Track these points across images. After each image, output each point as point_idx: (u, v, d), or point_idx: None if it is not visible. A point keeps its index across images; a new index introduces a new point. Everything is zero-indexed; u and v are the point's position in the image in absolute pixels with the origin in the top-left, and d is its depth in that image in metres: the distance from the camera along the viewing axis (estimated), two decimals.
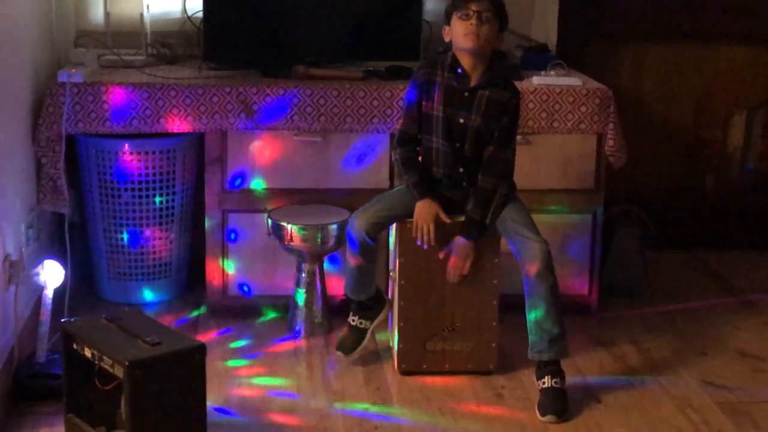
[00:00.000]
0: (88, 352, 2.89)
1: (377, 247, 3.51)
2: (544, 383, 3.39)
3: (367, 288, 3.60)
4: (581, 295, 4.12)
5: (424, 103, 3.46)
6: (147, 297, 4.10)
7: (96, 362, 2.86)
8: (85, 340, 2.89)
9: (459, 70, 3.41)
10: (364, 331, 3.64)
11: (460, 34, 3.35)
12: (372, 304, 3.64)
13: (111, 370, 2.81)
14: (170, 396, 2.81)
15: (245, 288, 4.02)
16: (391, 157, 3.83)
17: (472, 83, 3.41)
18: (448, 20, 3.42)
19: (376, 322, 3.66)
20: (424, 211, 3.46)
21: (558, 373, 3.40)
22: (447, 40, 3.44)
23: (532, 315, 3.40)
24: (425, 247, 3.46)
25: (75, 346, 2.94)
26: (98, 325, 2.97)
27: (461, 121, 3.43)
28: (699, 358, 3.78)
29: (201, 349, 2.86)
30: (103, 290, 4.12)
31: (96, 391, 2.95)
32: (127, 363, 2.74)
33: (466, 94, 3.42)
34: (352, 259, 3.52)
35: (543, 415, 3.33)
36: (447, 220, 3.46)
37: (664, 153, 4.89)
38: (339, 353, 3.63)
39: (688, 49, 4.81)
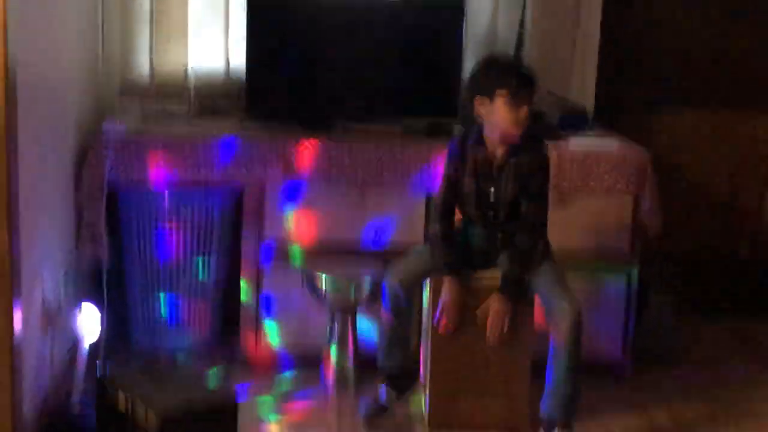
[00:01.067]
0: (121, 404, 2.90)
1: (412, 307, 3.52)
2: None
3: (399, 354, 3.58)
4: (615, 358, 4.10)
5: (461, 177, 3.49)
6: (181, 346, 4.12)
7: (129, 414, 2.87)
8: (119, 391, 2.91)
9: (487, 144, 3.45)
10: (390, 403, 3.61)
11: (507, 120, 3.35)
12: (402, 377, 3.62)
13: (144, 423, 2.81)
14: None
15: (278, 342, 4.03)
16: (426, 216, 3.83)
17: (500, 155, 3.44)
18: (485, 92, 3.39)
19: (404, 397, 3.63)
20: (451, 293, 3.46)
21: (568, 426, 3.42)
22: (481, 113, 3.43)
23: (552, 373, 3.41)
24: (444, 332, 3.46)
25: (109, 396, 2.95)
26: (132, 376, 2.98)
27: (492, 191, 3.46)
28: (732, 429, 3.74)
29: (233, 406, 2.86)
30: (138, 337, 4.14)
31: None
32: (160, 417, 2.74)
33: (494, 166, 3.45)
34: (385, 318, 3.53)
35: None
36: (476, 288, 3.47)
37: (700, 218, 4.88)
38: (363, 422, 3.58)
39: (724, 116, 4.82)
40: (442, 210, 3.54)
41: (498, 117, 3.37)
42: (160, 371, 3.02)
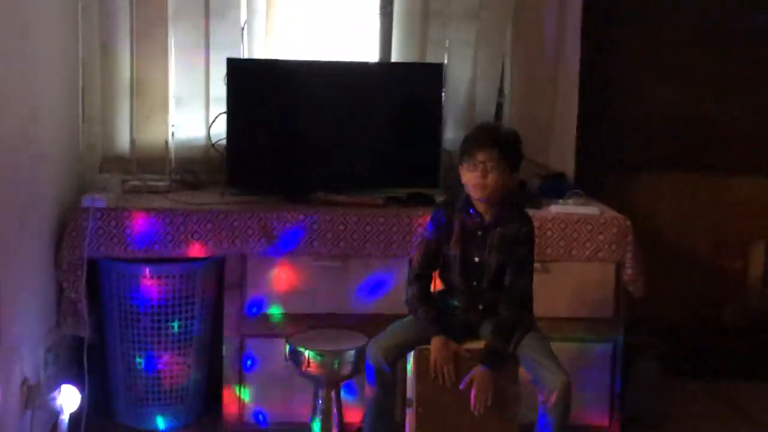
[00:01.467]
0: None
1: (395, 379, 3.48)
2: None
3: (382, 429, 3.53)
4: (601, 426, 4.06)
5: (444, 245, 3.49)
6: (163, 423, 4.07)
7: None
8: None
9: (471, 211, 3.45)
10: None
11: (469, 183, 3.41)
12: None
13: None
14: None
15: (260, 417, 3.98)
16: (405, 292, 3.81)
17: (486, 222, 3.45)
18: (460, 159, 3.45)
19: None
20: (441, 350, 3.44)
21: None
22: (463, 181, 3.46)
23: None
24: (447, 386, 3.43)
25: None
26: None
27: (477, 260, 3.46)
28: None
29: None
30: (120, 414, 4.09)
31: None
32: None
33: (480, 233, 3.46)
34: (369, 392, 3.49)
35: None
36: (466, 356, 3.44)
37: (683, 281, 4.88)
38: None
39: (705, 179, 4.85)
40: (418, 273, 3.54)
41: (464, 180, 3.42)
42: None
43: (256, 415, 3.98)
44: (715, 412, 4.52)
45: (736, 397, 4.68)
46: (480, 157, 3.38)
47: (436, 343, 3.45)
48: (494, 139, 3.41)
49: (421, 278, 3.54)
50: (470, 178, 3.40)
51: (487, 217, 3.45)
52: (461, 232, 3.47)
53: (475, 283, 3.49)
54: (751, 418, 4.47)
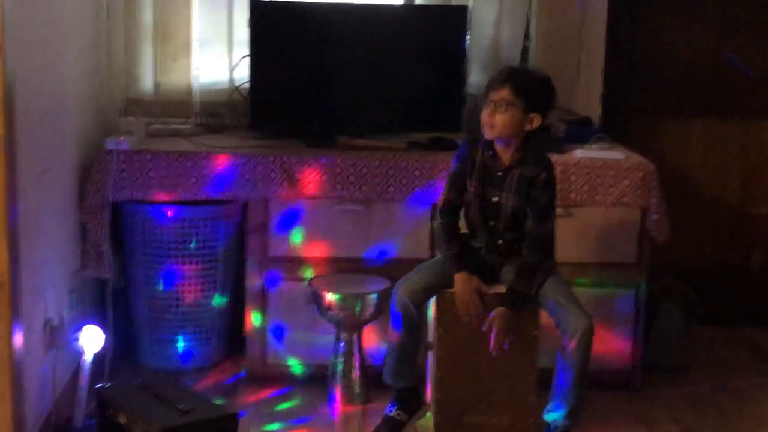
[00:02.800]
0: (121, 419, 2.90)
1: (420, 322, 3.48)
2: None
3: (407, 373, 3.54)
4: (623, 371, 4.06)
5: (467, 178, 3.48)
6: (187, 363, 4.11)
7: (129, 429, 2.86)
8: (119, 406, 2.91)
9: (491, 150, 3.44)
10: (400, 425, 3.55)
11: (481, 122, 3.39)
12: (411, 397, 3.57)
13: None
14: None
15: (283, 359, 4.01)
16: (432, 227, 3.82)
17: (504, 163, 3.43)
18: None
19: (414, 418, 3.58)
20: (464, 286, 3.45)
21: None
22: None
23: (559, 383, 3.40)
24: (472, 322, 3.43)
25: (109, 412, 2.95)
26: (132, 392, 2.99)
27: (495, 200, 3.45)
28: None
29: (233, 418, 2.85)
30: (144, 356, 4.14)
31: None
32: (158, 430, 2.74)
33: (499, 174, 3.44)
34: (394, 335, 3.49)
35: None
36: (488, 292, 3.44)
37: (710, 228, 4.84)
38: None
39: (734, 124, 4.78)
40: (443, 207, 3.52)
41: (481, 121, 3.41)
42: (162, 386, 2.99)
43: (279, 355, 4.01)
44: (740, 358, 4.50)
45: (761, 343, 4.66)
46: (492, 96, 3.36)
47: (459, 279, 3.44)
48: (506, 78, 3.37)
49: (446, 212, 3.51)
50: (482, 117, 3.39)
51: (505, 159, 3.43)
52: (481, 170, 3.45)
53: (492, 223, 3.47)
54: None
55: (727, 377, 4.25)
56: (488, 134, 3.38)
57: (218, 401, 3.52)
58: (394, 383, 3.55)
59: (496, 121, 3.35)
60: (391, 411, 3.56)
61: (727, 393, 4.10)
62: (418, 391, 3.59)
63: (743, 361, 4.46)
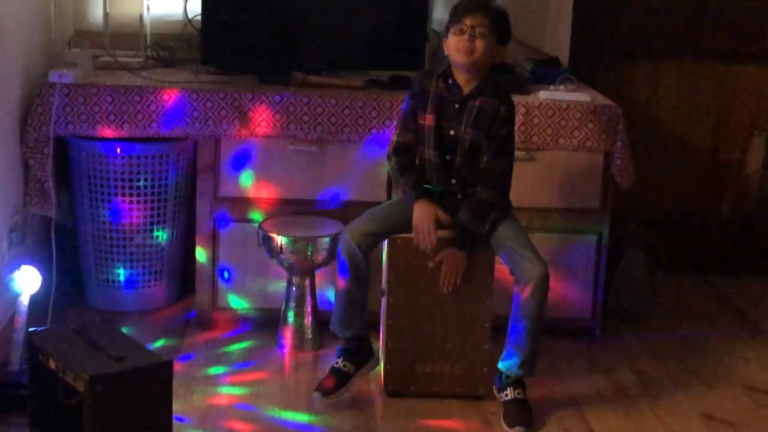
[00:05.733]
0: (52, 364, 2.79)
1: (368, 269, 3.36)
2: (507, 395, 3.32)
3: (354, 321, 3.41)
4: (583, 318, 3.97)
5: (418, 113, 3.34)
6: (136, 305, 3.99)
7: (60, 375, 2.76)
8: (49, 352, 2.79)
9: (450, 81, 3.30)
10: (347, 376, 3.41)
11: (454, 48, 3.26)
12: (359, 347, 3.44)
13: (74, 383, 2.70)
14: (133, 413, 2.71)
15: (234, 301, 3.90)
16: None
17: (463, 94, 3.30)
18: (446, 33, 3.31)
19: (361, 371, 3.45)
20: (422, 212, 3.33)
21: (521, 384, 3.33)
22: (446, 53, 3.33)
23: (513, 330, 3.31)
24: (428, 248, 3.31)
25: (40, 357, 2.84)
26: (64, 337, 2.87)
27: (452, 133, 3.32)
28: (702, 390, 3.62)
29: (167, 366, 2.74)
30: (92, 297, 4.02)
31: (61, 405, 2.84)
32: (88, 378, 2.63)
33: (457, 105, 3.31)
34: (341, 282, 3.37)
35: (511, 426, 3.24)
36: (447, 218, 3.32)
37: (679, 174, 4.72)
38: (316, 394, 3.37)
39: (707, 68, 4.64)
40: (396, 143, 3.41)
41: (449, 48, 3.28)
42: (96, 331, 2.87)
43: (229, 299, 3.89)
44: (704, 306, 4.42)
45: (726, 292, 4.58)
46: (469, 21, 3.23)
47: (419, 204, 3.33)
48: (482, 5, 3.26)
49: (400, 150, 3.40)
50: (456, 42, 3.24)
51: (466, 89, 3.30)
52: (437, 102, 3.32)
53: (448, 157, 3.35)
54: (739, 313, 4.37)
55: (689, 326, 4.17)
56: (465, 59, 3.24)
57: (159, 342, 3.42)
58: (340, 332, 3.44)
59: (476, 46, 3.22)
60: (337, 362, 3.44)
61: (688, 343, 4.02)
62: (366, 342, 3.47)
63: (708, 311, 4.38)
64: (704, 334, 4.11)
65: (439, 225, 3.32)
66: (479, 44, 3.23)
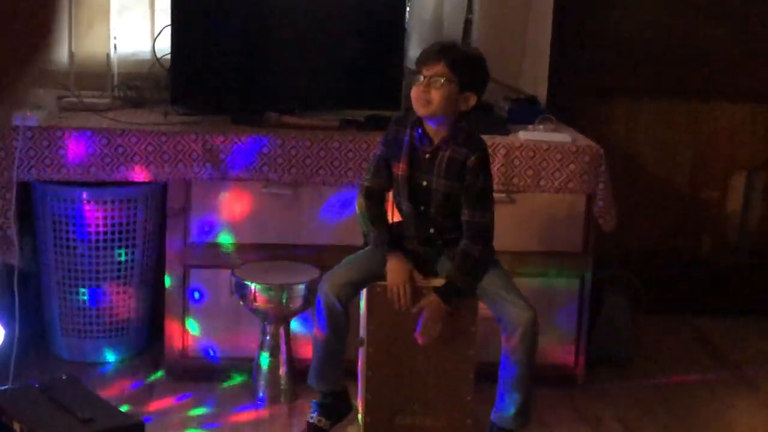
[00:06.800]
0: (17, 427, 2.63)
1: (347, 321, 3.23)
2: None
3: (332, 374, 3.28)
4: (567, 365, 3.86)
5: (392, 162, 3.24)
6: (103, 356, 3.84)
7: None
8: (15, 413, 2.65)
9: (420, 131, 3.19)
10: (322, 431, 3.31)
11: (413, 99, 3.15)
12: (335, 403, 3.32)
13: None
14: None
15: (210, 352, 3.75)
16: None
17: (433, 144, 3.18)
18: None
19: (338, 425, 3.31)
20: (396, 270, 3.21)
21: None
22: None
23: (504, 380, 3.20)
24: (401, 309, 3.20)
25: (4, 419, 2.68)
26: (30, 397, 2.72)
27: (424, 183, 3.21)
28: None
29: (139, 428, 2.60)
30: (57, 347, 3.86)
31: None
32: None
33: (428, 155, 3.20)
34: (319, 334, 3.23)
35: None
36: (421, 281, 3.21)
37: (659, 213, 4.64)
38: None
39: (685, 106, 4.57)
40: (366, 187, 3.29)
41: (412, 97, 3.16)
42: (62, 390, 2.72)
43: (203, 349, 3.75)
44: (688, 350, 4.32)
45: (709, 334, 4.48)
46: (425, 71, 3.11)
47: (391, 262, 3.21)
48: (440, 52, 3.14)
49: (370, 194, 3.28)
50: (414, 92, 3.13)
51: (436, 139, 3.18)
52: (409, 152, 3.20)
53: (423, 208, 3.23)
54: (723, 356, 4.27)
55: (673, 371, 4.07)
56: (422, 111, 3.13)
57: (126, 405, 3.27)
58: (318, 386, 3.30)
59: (431, 97, 3.10)
60: (312, 416, 3.30)
61: (672, 389, 3.92)
62: (343, 396, 3.34)
63: (691, 353, 4.28)
64: (688, 379, 4.01)
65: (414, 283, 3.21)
66: (435, 94, 3.10)
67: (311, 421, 3.29)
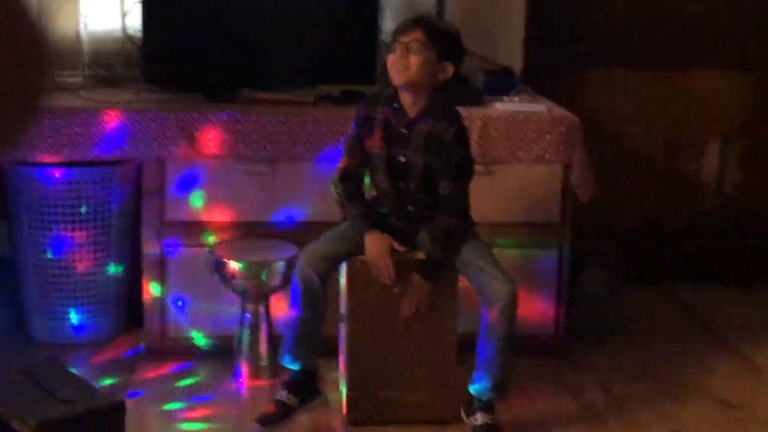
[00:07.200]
0: None
1: (325, 295, 3.21)
2: (476, 420, 3.20)
3: (305, 353, 3.24)
4: (547, 336, 3.86)
5: (366, 140, 3.22)
6: (82, 337, 3.80)
7: (5, 421, 2.57)
8: None
9: (396, 104, 3.17)
10: (289, 409, 3.25)
11: (390, 68, 3.13)
12: (305, 381, 3.28)
13: (20, 431, 2.52)
14: None
15: (190, 330, 3.72)
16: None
17: (410, 117, 3.16)
18: (388, 49, 3.20)
19: (306, 407, 3.28)
20: (376, 245, 3.20)
21: (492, 408, 3.21)
22: (388, 69, 3.19)
23: (483, 352, 3.19)
24: (389, 282, 3.19)
25: None
26: (9, 380, 2.69)
27: (402, 159, 3.19)
28: (672, 407, 3.53)
29: (119, 407, 2.58)
30: (35, 330, 3.82)
31: None
32: (35, 424, 2.46)
33: (404, 130, 3.17)
34: (294, 312, 3.21)
35: None
36: (402, 250, 3.20)
37: (636, 184, 4.65)
38: (255, 424, 3.20)
39: (661, 76, 4.58)
40: (342, 171, 3.27)
41: (388, 71, 3.14)
42: (43, 372, 2.70)
43: (180, 327, 3.72)
44: (668, 317, 4.34)
45: (690, 302, 4.50)
46: (402, 38, 3.09)
47: (370, 238, 3.19)
48: (417, 20, 3.14)
49: (347, 178, 3.26)
50: (391, 60, 3.11)
51: (412, 113, 3.16)
52: (384, 128, 3.18)
53: (402, 184, 3.21)
54: (704, 323, 4.30)
55: (655, 340, 4.09)
56: (399, 78, 3.10)
57: (106, 383, 3.25)
58: (290, 364, 3.26)
59: (410, 62, 3.07)
60: (281, 394, 3.26)
61: (655, 357, 3.93)
62: (314, 376, 3.30)
63: (672, 322, 4.30)
64: (670, 348, 4.02)
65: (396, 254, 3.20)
66: (413, 60, 3.08)
67: (279, 398, 3.26)
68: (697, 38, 4.55)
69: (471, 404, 3.24)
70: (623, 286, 4.25)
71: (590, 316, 4.06)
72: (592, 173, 3.77)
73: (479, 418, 3.19)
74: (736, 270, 4.70)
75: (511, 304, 3.13)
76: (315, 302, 3.18)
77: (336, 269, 3.29)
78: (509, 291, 3.12)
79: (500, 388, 3.20)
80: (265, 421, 3.21)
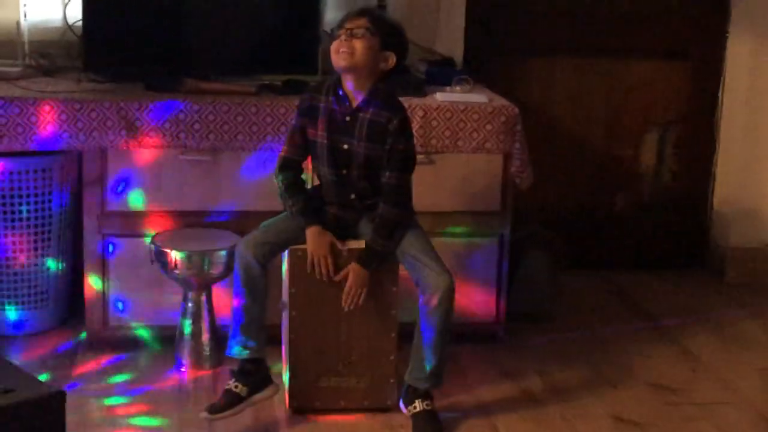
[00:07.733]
0: None
1: (265, 281, 3.23)
2: (415, 408, 3.24)
3: (251, 341, 3.24)
4: (487, 322, 3.92)
5: (309, 129, 3.24)
6: (23, 328, 3.79)
7: None
8: None
9: (340, 92, 3.20)
10: (238, 398, 3.24)
11: (333, 53, 3.16)
12: (254, 370, 3.27)
13: None
14: None
15: (131, 320, 3.72)
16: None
17: (353, 106, 3.19)
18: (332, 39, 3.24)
19: (256, 396, 3.26)
20: (316, 241, 3.22)
21: (428, 395, 3.26)
22: (331, 57, 3.22)
23: (419, 342, 3.24)
24: (325, 279, 3.22)
25: None
26: None
27: (345, 147, 3.22)
28: (609, 391, 3.60)
29: (59, 396, 2.57)
30: None
31: None
32: None
33: (348, 118, 3.20)
34: (236, 300, 3.22)
35: None
36: (343, 248, 3.23)
37: (575, 171, 4.72)
38: (203, 413, 3.20)
39: (599, 64, 4.65)
40: (283, 161, 3.30)
41: (332, 57, 3.18)
42: None
43: (122, 317, 3.72)
44: (606, 303, 4.42)
45: (626, 288, 4.59)
46: (347, 25, 3.15)
47: (310, 233, 3.22)
48: (363, 10, 3.21)
49: (286, 167, 3.29)
50: (335, 46, 3.15)
51: (355, 101, 3.19)
52: (328, 117, 3.21)
53: (345, 171, 3.24)
54: (640, 308, 4.38)
55: (592, 325, 4.16)
56: (343, 63, 3.13)
57: (46, 375, 3.24)
58: (237, 354, 3.26)
59: (354, 46, 3.11)
60: (229, 383, 3.26)
61: (592, 342, 4.01)
62: (263, 364, 3.30)
63: (609, 307, 4.38)
64: (607, 333, 4.10)
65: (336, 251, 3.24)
66: (357, 44, 3.12)
67: (228, 387, 3.27)
68: (637, 27, 4.62)
69: (407, 393, 3.28)
70: (561, 272, 4.32)
71: (529, 301, 4.13)
72: (532, 162, 3.82)
73: (417, 406, 3.23)
74: (672, 256, 4.80)
75: (448, 296, 3.17)
76: (255, 287, 3.21)
77: (276, 256, 3.30)
78: (447, 283, 3.17)
79: (435, 376, 3.24)
80: (213, 410, 3.22)
